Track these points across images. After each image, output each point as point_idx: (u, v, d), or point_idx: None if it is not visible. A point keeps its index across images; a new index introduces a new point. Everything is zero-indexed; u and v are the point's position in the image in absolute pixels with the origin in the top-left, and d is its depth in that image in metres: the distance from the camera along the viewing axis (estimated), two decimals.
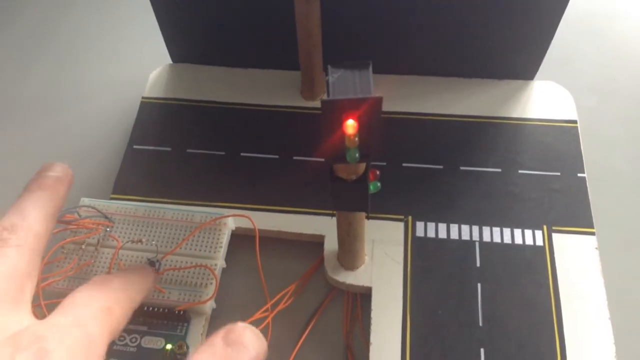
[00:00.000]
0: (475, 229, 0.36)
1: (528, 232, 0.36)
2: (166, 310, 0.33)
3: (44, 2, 0.54)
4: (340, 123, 0.23)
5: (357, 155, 0.25)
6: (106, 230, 0.36)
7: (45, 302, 0.32)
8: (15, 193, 0.41)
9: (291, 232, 0.37)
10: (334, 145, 0.25)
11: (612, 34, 0.48)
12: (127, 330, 0.33)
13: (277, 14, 0.39)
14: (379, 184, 0.28)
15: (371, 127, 0.23)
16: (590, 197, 0.37)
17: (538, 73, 0.42)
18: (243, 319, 0.33)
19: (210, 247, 0.35)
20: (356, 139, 0.24)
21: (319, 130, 0.24)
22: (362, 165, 0.27)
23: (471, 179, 0.38)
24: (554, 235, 0.36)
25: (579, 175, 0.38)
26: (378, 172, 0.28)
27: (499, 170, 0.38)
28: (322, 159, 0.26)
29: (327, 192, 0.28)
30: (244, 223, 0.36)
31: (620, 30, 0.48)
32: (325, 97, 0.23)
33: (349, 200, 0.29)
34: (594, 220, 0.36)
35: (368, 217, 0.31)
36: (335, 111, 0.23)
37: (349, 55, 0.41)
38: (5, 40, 0.51)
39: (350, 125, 0.23)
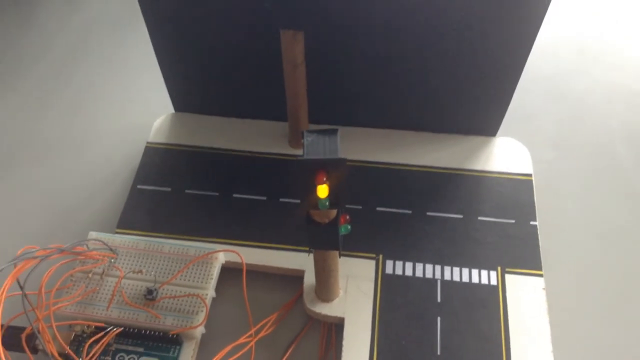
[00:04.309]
0: (438, 268, 0.40)
1: (484, 273, 0.40)
2: (161, 334, 0.37)
3: (60, 52, 0.59)
4: (313, 177, 0.28)
5: (327, 203, 0.29)
6: (111, 261, 0.40)
7: (56, 323, 0.36)
8: (28, 228, 0.46)
9: (275, 267, 0.41)
10: (309, 195, 0.29)
11: (570, 93, 0.53)
12: (125, 351, 0.37)
13: (269, 72, 0.44)
14: (349, 227, 0.32)
15: (338, 181, 0.28)
16: (540, 243, 0.41)
17: (501, 130, 0.47)
18: (229, 343, 0.38)
19: (202, 278, 0.39)
20: (326, 190, 0.29)
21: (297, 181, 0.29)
22: (334, 211, 0.31)
23: (436, 224, 0.43)
24: (507, 276, 0.40)
25: (531, 223, 0.42)
26: (348, 217, 0.32)
27: (461, 216, 0.43)
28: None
29: (306, 233, 0.32)
30: (233, 257, 0.41)
31: (577, 90, 0.53)
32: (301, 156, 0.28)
33: (323, 240, 0.33)
34: (542, 264, 0.40)
35: (340, 255, 0.35)
36: (309, 168, 0.28)
37: (331, 109, 0.46)
38: (23, 87, 0.56)
39: (320, 179, 0.28)
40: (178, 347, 0.38)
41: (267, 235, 0.42)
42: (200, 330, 0.38)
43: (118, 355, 0.37)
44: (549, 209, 0.45)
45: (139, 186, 0.45)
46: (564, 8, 0.59)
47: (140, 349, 0.37)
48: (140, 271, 0.40)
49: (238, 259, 0.40)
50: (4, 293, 0.33)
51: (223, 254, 0.41)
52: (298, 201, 0.44)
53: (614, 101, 0.52)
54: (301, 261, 0.41)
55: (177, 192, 0.45)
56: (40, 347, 0.36)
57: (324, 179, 0.28)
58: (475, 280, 0.40)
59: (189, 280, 0.39)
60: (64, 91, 0.55)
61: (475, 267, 0.40)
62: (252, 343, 0.38)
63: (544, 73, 0.54)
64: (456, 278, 0.40)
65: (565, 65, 0.55)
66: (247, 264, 0.40)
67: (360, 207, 0.44)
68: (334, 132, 0.28)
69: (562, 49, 0.56)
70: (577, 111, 0.52)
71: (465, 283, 0.40)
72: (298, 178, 0.28)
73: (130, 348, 0.37)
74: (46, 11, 0.62)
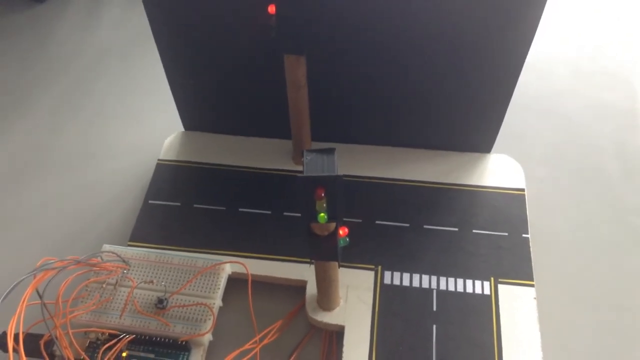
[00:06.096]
0: (434, 278, 0.42)
1: (478, 283, 0.42)
2: (171, 341, 0.39)
3: (75, 74, 0.61)
4: (312, 193, 0.31)
5: (326, 217, 0.31)
6: (123, 272, 0.42)
7: (73, 330, 0.38)
8: (46, 241, 0.48)
9: (279, 277, 0.43)
10: (309, 210, 0.32)
11: (562, 112, 0.55)
12: (137, 357, 0.39)
13: (274, 93, 0.46)
14: (347, 239, 0.35)
15: (336, 197, 0.31)
16: (532, 255, 0.43)
17: (496, 147, 0.49)
18: (235, 350, 0.40)
19: (210, 288, 0.41)
20: (325, 205, 0.31)
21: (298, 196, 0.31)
22: (333, 224, 0.34)
23: (432, 236, 0.45)
24: (500, 286, 0.42)
25: (523, 235, 0.44)
26: (347, 230, 0.35)
27: (456, 229, 0.45)
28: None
29: (307, 244, 0.34)
30: (240, 268, 0.43)
31: (568, 109, 0.55)
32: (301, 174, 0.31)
33: (322, 252, 0.35)
34: (534, 275, 0.42)
35: (340, 266, 0.37)
36: (308, 184, 0.30)
37: (333, 128, 0.49)
38: (41, 107, 0.58)
39: (319, 195, 0.30)
40: (187, 353, 0.40)
41: (271, 248, 0.45)
42: (208, 337, 0.40)
43: None
44: (541, 222, 0.47)
45: (150, 201, 0.48)
46: (557, 29, 0.61)
47: (151, 355, 0.39)
48: (152, 281, 0.42)
49: (244, 270, 0.42)
50: (25, 302, 0.35)
51: (230, 265, 0.43)
52: (300, 215, 0.46)
53: (604, 120, 0.54)
54: (304, 272, 0.43)
55: (187, 207, 0.47)
56: (57, 352, 0.38)
57: (322, 194, 0.30)
58: (469, 290, 0.42)
59: (197, 290, 0.41)
60: (79, 111, 0.58)
61: (469, 278, 0.42)
62: (257, 349, 0.40)
63: (537, 93, 0.56)
64: (451, 288, 0.42)
65: (558, 85, 0.57)
66: (252, 275, 0.42)
67: (360, 221, 0.46)
68: (332, 151, 0.30)
69: (554, 71, 0.58)
70: (568, 129, 0.54)
71: (460, 293, 0.42)
72: (299, 194, 0.31)
73: (142, 354, 0.39)
74: (63, 35, 0.65)
